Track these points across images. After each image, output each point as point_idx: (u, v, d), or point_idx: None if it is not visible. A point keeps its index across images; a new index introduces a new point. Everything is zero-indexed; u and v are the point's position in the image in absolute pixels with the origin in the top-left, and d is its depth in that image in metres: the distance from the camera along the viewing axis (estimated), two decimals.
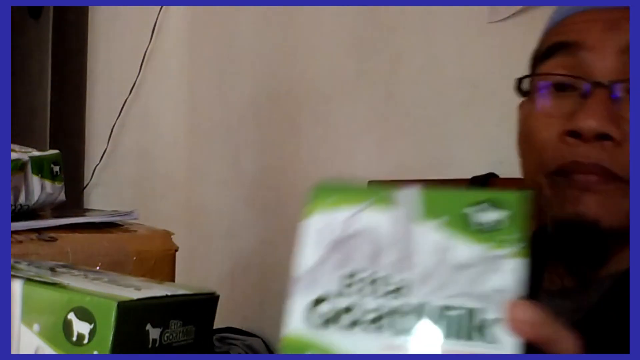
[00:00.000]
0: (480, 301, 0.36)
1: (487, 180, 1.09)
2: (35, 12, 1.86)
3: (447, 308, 0.36)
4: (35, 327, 0.51)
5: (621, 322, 0.55)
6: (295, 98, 1.54)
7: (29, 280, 0.52)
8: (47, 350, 0.50)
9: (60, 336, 0.49)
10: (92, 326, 0.48)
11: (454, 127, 1.24)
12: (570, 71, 0.61)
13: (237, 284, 1.65)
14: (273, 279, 1.55)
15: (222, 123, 1.71)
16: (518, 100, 0.68)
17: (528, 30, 0.70)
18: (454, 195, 0.39)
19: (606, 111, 0.58)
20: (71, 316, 0.49)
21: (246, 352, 1.49)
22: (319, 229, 0.40)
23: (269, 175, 1.60)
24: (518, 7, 1.12)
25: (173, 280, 0.97)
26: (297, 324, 0.38)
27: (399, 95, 1.34)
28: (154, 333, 0.51)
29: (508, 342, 0.36)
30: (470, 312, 0.36)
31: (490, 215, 0.38)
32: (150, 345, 0.50)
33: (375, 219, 0.39)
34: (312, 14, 1.50)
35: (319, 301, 0.38)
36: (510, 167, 0.69)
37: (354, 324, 0.37)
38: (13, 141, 0.87)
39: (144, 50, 1.84)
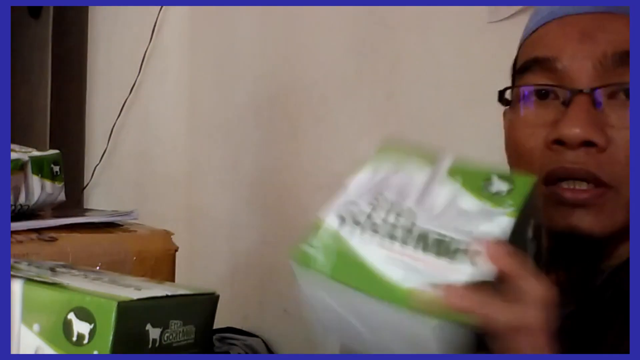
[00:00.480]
0: (468, 236, 0.46)
1: None
2: (35, 12, 1.86)
3: (439, 234, 0.46)
4: (35, 327, 0.51)
5: (617, 313, 0.56)
6: (295, 98, 1.54)
7: (29, 280, 0.52)
8: (47, 350, 0.50)
9: (60, 336, 0.49)
10: (92, 326, 0.48)
11: (454, 127, 1.24)
12: (551, 81, 0.62)
13: (237, 284, 1.65)
14: (273, 279, 1.55)
15: (222, 123, 1.71)
16: None
17: None
18: (477, 166, 0.50)
19: (589, 118, 0.59)
20: (71, 316, 0.49)
21: (246, 352, 1.50)
22: (363, 178, 0.52)
23: (269, 176, 1.60)
24: (518, 7, 1.12)
25: (173, 280, 0.96)
26: (330, 217, 0.50)
27: (399, 95, 1.34)
28: (154, 333, 0.51)
29: (481, 265, 0.44)
30: (456, 241, 0.46)
31: (498, 185, 0.48)
32: (150, 345, 0.50)
33: (408, 174, 0.51)
34: (312, 14, 1.50)
35: (349, 209, 0.50)
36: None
37: (371, 228, 0.48)
38: (13, 141, 0.87)
39: (144, 50, 1.84)
